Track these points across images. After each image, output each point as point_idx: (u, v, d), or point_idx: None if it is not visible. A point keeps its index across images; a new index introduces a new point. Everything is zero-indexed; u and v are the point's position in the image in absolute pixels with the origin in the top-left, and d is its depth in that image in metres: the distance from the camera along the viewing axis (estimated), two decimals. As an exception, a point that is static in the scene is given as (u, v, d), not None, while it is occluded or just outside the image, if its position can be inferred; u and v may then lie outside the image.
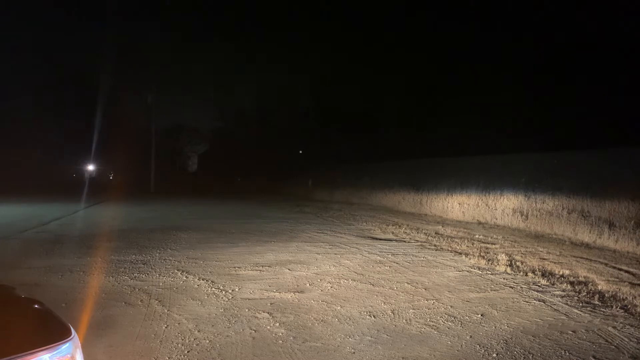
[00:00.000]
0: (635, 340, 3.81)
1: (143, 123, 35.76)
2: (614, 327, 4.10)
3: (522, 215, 11.33)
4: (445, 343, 3.70)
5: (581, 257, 7.53)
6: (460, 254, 7.66)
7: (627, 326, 4.14)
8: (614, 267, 6.80)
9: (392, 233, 10.29)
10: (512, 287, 5.48)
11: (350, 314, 4.38)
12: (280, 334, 3.83)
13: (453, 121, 19.81)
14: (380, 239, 9.35)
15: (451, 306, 4.68)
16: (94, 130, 34.03)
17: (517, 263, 6.84)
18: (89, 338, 3.61)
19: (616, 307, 4.66)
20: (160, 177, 31.73)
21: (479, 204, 12.91)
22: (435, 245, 8.53)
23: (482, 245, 8.64)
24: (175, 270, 6.14)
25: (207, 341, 3.65)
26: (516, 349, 3.57)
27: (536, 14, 18.77)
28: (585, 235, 9.38)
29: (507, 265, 6.63)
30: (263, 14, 52.24)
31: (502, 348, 3.60)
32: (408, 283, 5.62)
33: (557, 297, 5.08)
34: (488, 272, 6.32)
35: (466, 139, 17.69)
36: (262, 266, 6.49)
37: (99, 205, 18.04)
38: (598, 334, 3.93)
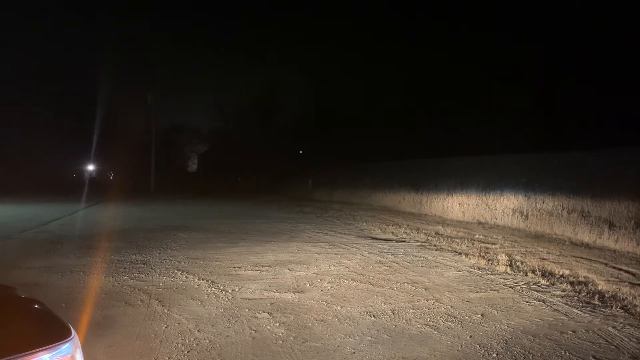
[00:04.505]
0: (635, 340, 3.81)
1: (143, 123, 35.79)
2: (614, 327, 4.10)
3: (522, 215, 11.32)
4: (445, 343, 3.70)
5: (581, 257, 7.53)
6: (460, 254, 7.65)
7: (627, 326, 4.14)
8: (614, 267, 6.80)
9: (392, 233, 10.29)
10: (512, 287, 5.48)
11: (350, 314, 4.38)
12: (280, 334, 3.83)
13: (453, 121, 19.84)
14: (380, 239, 9.35)
15: (451, 306, 4.68)
16: (94, 130, 34.05)
17: (517, 263, 6.84)
18: (89, 338, 3.61)
19: (616, 307, 4.66)
20: (160, 177, 31.70)
21: (479, 204, 12.91)
22: (435, 245, 8.53)
23: (482, 245, 8.64)
24: (175, 270, 6.14)
25: (207, 341, 3.65)
26: (516, 349, 3.57)
27: (537, 15, 18.76)
28: (585, 235, 9.38)
29: (507, 265, 6.63)
30: (264, 14, 52.25)
31: (502, 348, 3.60)
32: (408, 283, 5.62)
33: (557, 297, 5.08)
34: (488, 272, 6.32)
35: (466, 139, 17.71)
36: (262, 266, 6.49)
37: (98, 205, 18.04)
38: (598, 334, 3.93)
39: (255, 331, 3.89)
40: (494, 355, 3.47)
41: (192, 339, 3.68)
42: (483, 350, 3.55)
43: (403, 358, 3.41)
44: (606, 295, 5.12)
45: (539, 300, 4.93)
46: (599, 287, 5.47)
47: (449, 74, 21.84)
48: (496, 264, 6.78)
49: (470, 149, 15.70)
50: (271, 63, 60.68)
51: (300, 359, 3.37)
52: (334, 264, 6.73)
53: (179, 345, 3.56)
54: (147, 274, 5.94)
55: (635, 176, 8.80)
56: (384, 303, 4.76)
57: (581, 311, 4.57)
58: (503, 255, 7.45)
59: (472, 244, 8.68)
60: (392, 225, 11.62)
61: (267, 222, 12.33)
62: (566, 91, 16.20)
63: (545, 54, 17.60)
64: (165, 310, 4.41)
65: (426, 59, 23.71)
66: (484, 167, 13.38)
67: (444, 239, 9.28)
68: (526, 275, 6.11)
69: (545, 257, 7.45)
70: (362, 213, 15.13)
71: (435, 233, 10.30)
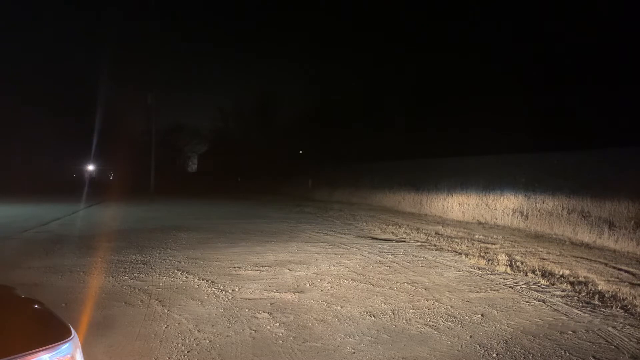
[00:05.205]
0: (635, 340, 3.81)
1: (143, 123, 35.82)
2: (614, 327, 4.10)
3: (522, 215, 11.32)
4: (445, 343, 3.70)
5: (581, 257, 7.53)
6: (460, 254, 7.65)
7: (627, 326, 4.14)
8: (614, 267, 6.80)
9: (392, 233, 10.29)
10: (512, 287, 5.48)
11: (350, 314, 4.38)
12: (280, 334, 3.83)
13: (453, 121, 19.83)
14: (380, 239, 9.35)
15: (451, 306, 4.68)
16: (94, 131, 34.08)
17: (517, 263, 6.84)
18: (89, 338, 3.61)
19: (616, 307, 4.66)
20: (160, 177, 31.70)
21: (479, 204, 12.91)
22: (435, 245, 8.53)
23: (482, 245, 8.64)
24: (175, 270, 6.14)
25: (207, 341, 3.65)
26: (516, 349, 3.57)
27: (537, 15, 18.76)
28: (585, 235, 9.38)
29: (507, 266, 6.63)
30: (264, 14, 52.29)
31: (502, 348, 3.60)
32: (408, 283, 5.62)
33: (557, 297, 5.08)
34: (488, 272, 6.32)
35: (466, 139, 17.70)
36: (262, 266, 6.49)
37: (99, 206, 18.04)
38: (598, 334, 3.93)
39: (255, 331, 3.89)
40: (494, 355, 3.47)
41: (192, 339, 3.68)
42: (483, 351, 3.55)
43: (403, 358, 3.41)
44: (606, 295, 5.12)
45: (539, 300, 4.93)
46: (599, 287, 5.47)
47: (449, 74, 21.84)
48: (496, 264, 6.78)
49: (470, 149, 15.70)
50: (271, 63, 60.71)
51: (300, 359, 3.37)
52: (334, 264, 6.73)
53: (179, 345, 3.56)
54: (147, 274, 5.94)
55: (635, 176, 8.80)
56: (384, 303, 4.76)
57: (581, 311, 4.57)
58: (503, 255, 7.45)
59: (472, 244, 8.68)
60: (392, 225, 11.62)
61: (267, 222, 12.33)
62: (566, 91, 16.19)
63: (546, 53, 17.60)
64: (165, 310, 4.41)
65: (426, 59, 23.70)
66: (484, 167, 13.38)
67: (444, 239, 9.28)
68: (526, 275, 6.11)
69: (545, 257, 7.45)
70: (362, 213, 15.13)
71: (435, 233, 10.29)
